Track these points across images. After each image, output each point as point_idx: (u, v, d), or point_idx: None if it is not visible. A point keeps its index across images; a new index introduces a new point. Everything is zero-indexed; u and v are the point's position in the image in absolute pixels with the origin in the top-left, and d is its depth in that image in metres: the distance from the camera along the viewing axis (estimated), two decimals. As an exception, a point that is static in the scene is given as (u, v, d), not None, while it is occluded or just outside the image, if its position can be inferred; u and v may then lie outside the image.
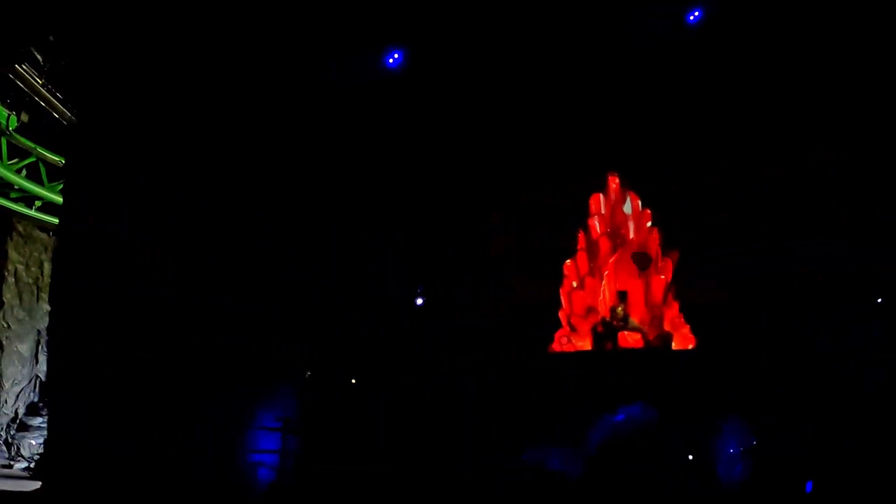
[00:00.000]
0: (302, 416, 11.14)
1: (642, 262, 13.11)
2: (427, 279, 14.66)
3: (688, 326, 13.22)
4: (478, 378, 11.20)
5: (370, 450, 10.60)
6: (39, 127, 22.03)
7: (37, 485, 18.49)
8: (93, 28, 11.78)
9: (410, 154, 11.88)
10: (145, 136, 10.54)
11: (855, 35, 12.10)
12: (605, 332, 12.50)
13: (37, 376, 25.16)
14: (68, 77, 18.00)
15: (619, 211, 14.49)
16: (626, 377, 10.93)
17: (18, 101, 20.90)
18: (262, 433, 11.22)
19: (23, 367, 24.73)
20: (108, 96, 12.65)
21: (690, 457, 9.96)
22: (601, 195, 14.57)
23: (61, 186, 23.27)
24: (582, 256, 14.33)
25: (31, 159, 22.66)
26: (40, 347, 25.22)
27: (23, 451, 22.63)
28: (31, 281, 25.23)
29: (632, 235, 14.21)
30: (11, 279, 24.52)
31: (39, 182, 23.18)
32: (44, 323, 24.98)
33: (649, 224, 14.18)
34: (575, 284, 14.15)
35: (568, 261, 14.21)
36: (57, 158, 22.74)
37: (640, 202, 14.40)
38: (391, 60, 12.39)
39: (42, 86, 19.31)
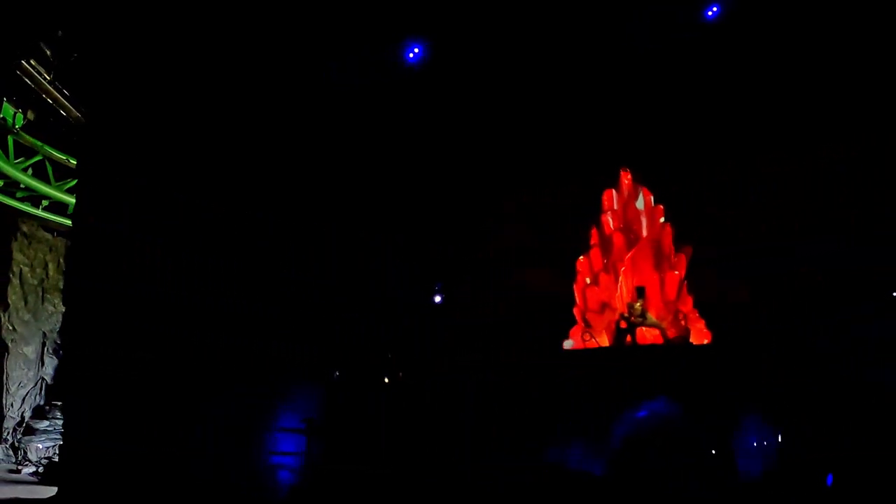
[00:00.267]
0: (330, 417, 11.58)
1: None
2: (441, 278, 15.14)
3: (703, 322, 13.56)
4: (478, 378, 11.60)
5: (390, 451, 11.09)
6: (46, 125, 22.28)
7: (48, 491, 19.17)
8: (97, 25, 12.24)
9: (410, 154, 12.26)
10: (145, 136, 10.97)
11: (863, 32, 12.33)
12: (627, 327, 12.87)
13: (42, 379, 25.61)
14: (76, 74, 18.35)
15: (631, 206, 14.86)
16: (649, 373, 11.30)
17: (25, 98, 21.14)
18: (281, 435, 11.56)
19: (28, 369, 25.15)
20: (109, 95, 13.24)
21: (713, 452, 10.33)
22: (614, 191, 14.95)
23: (69, 185, 23.88)
24: (595, 252, 14.69)
25: (38, 158, 22.97)
26: (46, 349, 25.84)
27: (30, 456, 23.16)
28: (35, 282, 25.67)
29: (645, 231, 14.57)
30: (16, 281, 24.87)
31: (46, 181, 23.52)
32: (49, 325, 25.94)
33: (662, 220, 14.56)
34: (589, 281, 14.53)
35: (581, 257, 14.59)
36: (63, 157, 23.18)
37: (652, 198, 14.79)
38: (411, 55, 12.89)
39: (49, 82, 19.53)
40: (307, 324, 10.71)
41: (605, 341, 13.68)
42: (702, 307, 13.72)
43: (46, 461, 22.12)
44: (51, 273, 26.15)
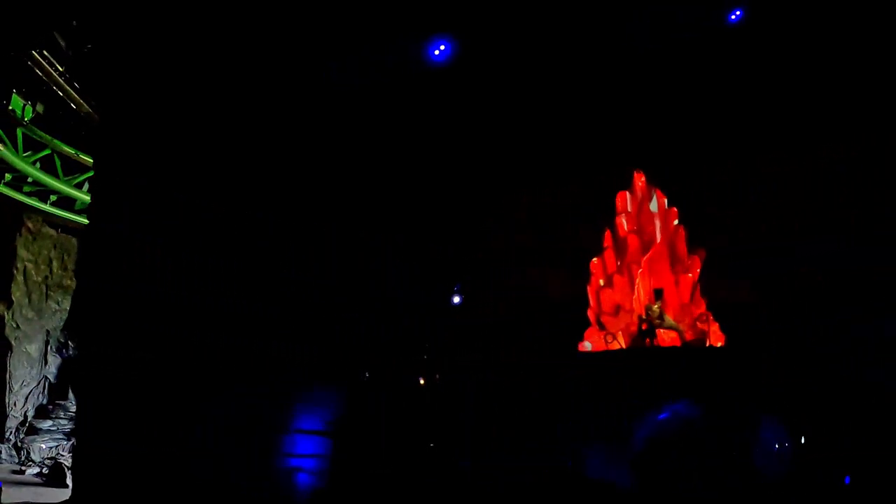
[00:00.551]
0: (359, 419, 11.92)
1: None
2: (460, 278, 15.60)
3: (717, 324, 13.93)
4: (486, 378, 12.07)
5: (423, 453, 11.61)
6: (55, 118, 22.66)
7: (54, 493, 19.62)
8: (108, 17, 12.66)
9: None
10: (145, 136, 11.43)
11: (864, 32, 12.63)
12: (649, 329, 13.27)
13: (45, 378, 26.30)
14: (88, 66, 18.72)
15: (646, 208, 15.24)
16: (669, 375, 11.71)
17: (35, 90, 21.48)
18: (299, 437, 11.78)
19: (31, 368, 25.78)
20: (113, 93, 13.73)
21: (734, 453, 10.75)
22: (627, 193, 15.32)
23: (77, 180, 24.54)
24: (609, 254, 15.10)
25: (46, 152, 23.43)
26: (49, 348, 26.55)
27: (33, 456, 23.74)
28: (40, 279, 26.29)
29: (659, 233, 14.95)
30: (20, 277, 25.43)
31: (55, 175, 23.99)
32: (53, 322, 26.67)
33: (676, 222, 14.93)
34: (602, 282, 14.94)
35: (595, 259, 15.00)
36: (72, 151, 23.70)
37: (666, 200, 15.17)
38: (437, 52, 13.36)
39: (61, 74, 19.84)
40: (307, 324, 11.08)
41: (620, 343, 14.12)
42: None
43: (51, 462, 22.63)
44: (55, 270, 26.90)
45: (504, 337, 14.18)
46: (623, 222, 15.17)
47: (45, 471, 22.03)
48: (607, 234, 15.22)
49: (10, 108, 21.40)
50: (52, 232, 26.63)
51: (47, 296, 26.69)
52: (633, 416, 11.06)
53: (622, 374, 12.01)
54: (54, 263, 26.95)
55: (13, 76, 20.45)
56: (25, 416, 25.24)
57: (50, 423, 25.25)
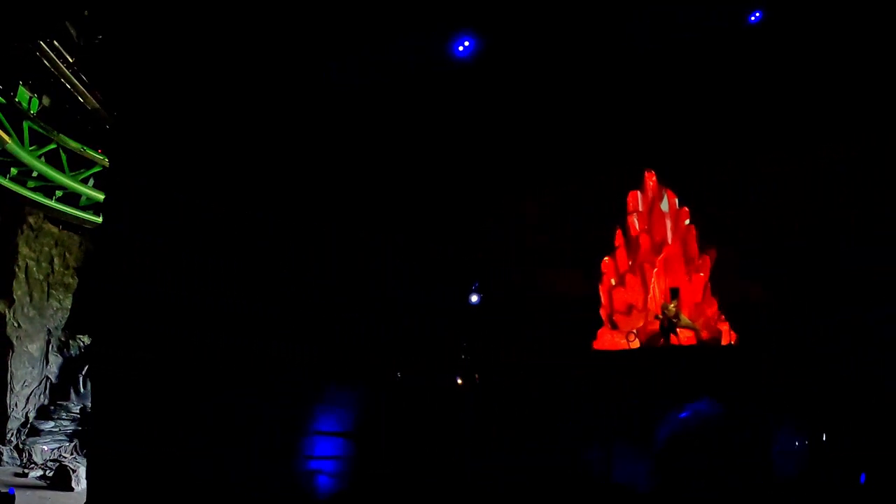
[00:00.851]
0: (392, 421, 12.41)
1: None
2: (478, 277, 16.16)
3: (727, 323, 14.41)
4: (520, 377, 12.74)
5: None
6: (61, 112, 23.20)
7: (59, 497, 20.08)
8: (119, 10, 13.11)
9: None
10: (146, 134, 11.93)
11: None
12: (669, 328, 13.80)
13: (47, 378, 26.90)
14: (97, 58, 19.11)
15: (657, 208, 15.72)
16: (690, 373, 12.27)
17: (42, 83, 21.98)
18: (320, 439, 12.21)
19: (33, 367, 26.37)
20: (115, 90, 14.23)
21: (752, 451, 11.29)
22: (639, 192, 15.85)
23: (83, 175, 25.17)
24: (621, 254, 15.61)
25: (52, 146, 23.88)
26: (51, 347, 27.19)
27: (35, 458, 24.20)
28: (41, 277, 26.82)
29: (670, 233, 15.43)
30: (22, 275, 25.95)
31: (60, 170, 24.47)
32: (54, 321, 27.30)
33: (687, 222, 15.41)
34: (614, 282, 15.46)
35: (606, 258, 15.52)
36: (78, 146, 24.24)
37: (677, 200, 15.66)
38: (461, 48, 13.93)
39: (69, 66, 20.18)
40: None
41: (636, 342, 14.65)
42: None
43: (54, 464, 22.99)
44: (56, 268, 27.52)
45: (521, 336, 14.70)
46: (635, 222, 15.69)
47: (48, 473, 22.44)
48: (618, 233, 15.74)
49: (17, 99, 21.86)
50: (54, 229, 27.14)
51: (49, 294, 27.22)
52: (655, 414, 11.60)
53: (642, 373, 12.55)
54: (56, 261, 27.51)
55: (21, 67, 20.86)
56: (27, 417, 25.73)
57: (52, 424, 25.76)
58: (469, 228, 15.08)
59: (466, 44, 13.38)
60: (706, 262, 14.90)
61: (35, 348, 26.64)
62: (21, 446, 24.90)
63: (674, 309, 13.89)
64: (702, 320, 14.32)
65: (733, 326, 14.00)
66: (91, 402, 12.15)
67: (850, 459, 11.07)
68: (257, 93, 11.79)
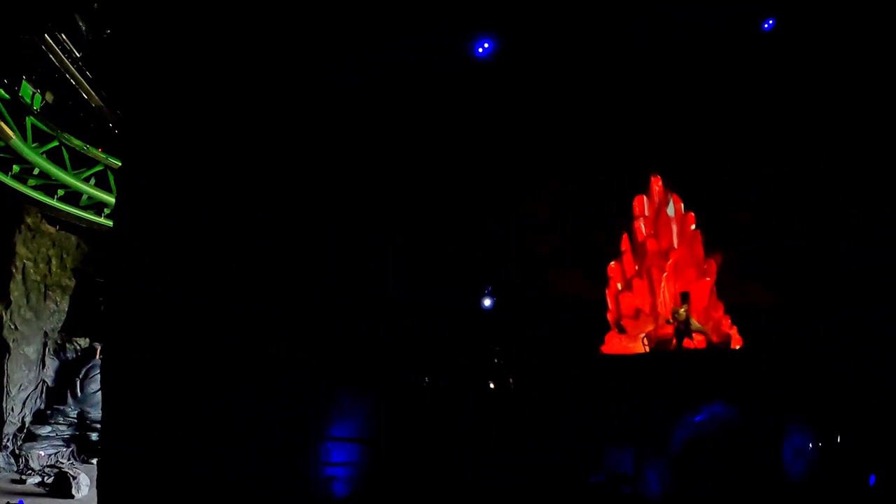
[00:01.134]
0: (391, 422, 12.86)
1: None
2: (490, 281, 16.64)
3: (735, 328, 14.95)
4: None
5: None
6: (64, 109, 23.52)
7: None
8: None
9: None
10: (153, 134, 12.39)
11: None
12: (685, 331, 14.35)
13: (43, 381, 27.28)
14: (103, 53, 19.27)
15: (663, 213, 16.31)
16: (703, 377, 12.86)
17: (46, 78, 22.23)
18: (334, 445, 12.52)
19: (29, 371, 26.74)
20: (119, 88, 14.69)
21: (765, 453, 11.81)
22: (644, 197, 16.54)
23: (85, 174, 25.64)
24: (627, 258, 16.19)
25: (54, 143, 24.24)
26: (47, 350, 27.64)
27: (32, 464, 24.56)
28: (38, 278, 27.23)
29: (676, 238, 16.00)
30: (19, 276, 26.30)
31: (63, 168, 24.84)
32: (51, 324, 27.81)
33: (693, 226, 16.02)
34: (620, 286, 16.06)
35: (612, 262, 16.16)
36: (81, 144, 24.69)
37: (682, 204, 16.31)
38: (481, 49, 14.55)
39: (73, 62, 20.42)
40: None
41: (639, 347, 15.19)
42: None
43: (52, 470, 23.41)
44: (53, 269, 27.98)
45: (524, 336, 15.28)
46: (641, 226, 16.36)
47: (47, 480, 22.68)
48: (625, 238, 16.36)
49: (20, 94, 22.22)
50: (52, 229, 27.55)
51: (46, 296, 27.60)
52: (670, 417, 12.11)
53: (655, 377, 13.13)
54: (53, 262, 27.93)
55: (26, 61, 21.19)
56: (23, 422, 26.05)
57: (49, 429, 26.11)
58: (469, 228, 15.56)
59: (486, 45, 14.04)
60: (712, 266, 15.46)
61: (32, 351, 26.97)
62: (17, 452, 25.17)
63: (684, 313, 14.43)
64: (710, 324, 14.86)
65: (739, 330, 14.52)
66: (102, 405, 12.54)
67: (861, 461, 11.56)
68: (257, 92, 12.19)
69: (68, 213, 26.66)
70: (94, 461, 24.75)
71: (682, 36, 13.70)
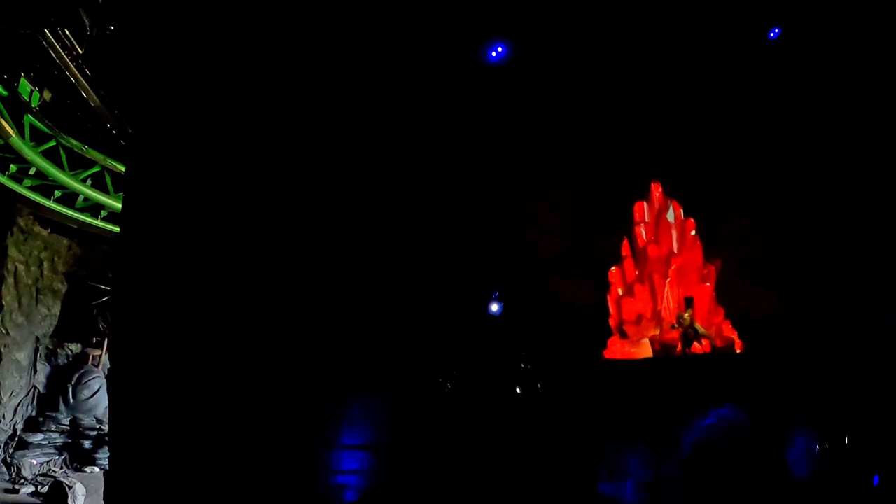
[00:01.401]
0: (400, 427, 13.23)
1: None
2: (499, 285, 17.11)
3: (735, 332, 15.64)
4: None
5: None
6: (62, 108, 23.27)
7: None
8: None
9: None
10: (152, 134, 12.67)
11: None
12: (694, 336, 14.92)
13: (35, 388, 27.37)
14: (106, 50, 19.55)
15: (663, 219, 17.05)
16: (709, 380, 13.42)
17: (45, 75, 21.99)
18: (345, 453, 12.80)
19: (21, 377, 26.79)
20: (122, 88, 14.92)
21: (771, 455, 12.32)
22: (645, 203, 17.33)
23: (83, 175, 25.68)
24: (628, 263, 16.79)
25: (51, 143, 24.26)
26: (39, 356, 27.72)
27: (24, 472, 24.46)
28: (30, 282, 27.34)
29: (675, 244, 16.63)
30: (11, 280, 26.40)
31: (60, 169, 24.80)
32: (42, 329, 27.89)
33: (693, 232, 16.80)
34: (621, 292, 16.61)
35: (613, 268, 16.82)
36: (78, 144, 24.62)
37: (682, 211, 17.07)
38: (494, 54, 15.07)
39: (73, 59, 20.38)
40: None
41: (642, 351, 15.69)
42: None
43: (45, 479, 23.51)
44: (45, 272, 28.12)
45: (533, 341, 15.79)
46: (642, 232, 17.14)
47: (41, 489, 22.80)
48: (625, 243, 17.13)
49: (19, 91, 22.19)
50: (44, 232, 27.70)
51: (37, 300, 27.75)
52: (680, 421, 12.60)
53: (662, 381, 13.64)
54: (45, 265, 28.09)
55: (25, 57, 21.07)
56: (14, 430, 26.12)
57: (41, 436, 26.23)
58: (478, 233, 16.02)
59: (499, 49, 14.55)
60: (711, 271, 16.11)
61: (23, 356, 27.08)
62: (9, 461, 25.16)
63: (689, 318, 15.02)
64: (713, 329, 15.47)
65: (739, 334, 15.14)
66: (109, 415, 12.64)
67: (865, 461, 12.10)
68: (257, 92, 12.45)
69: (62, 215, 26.68)
70: (88, 470, 25.08)
71: (684, 45, 14.33)
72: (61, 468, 25.62)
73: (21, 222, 26.71)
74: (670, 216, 16.98)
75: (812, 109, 15.84)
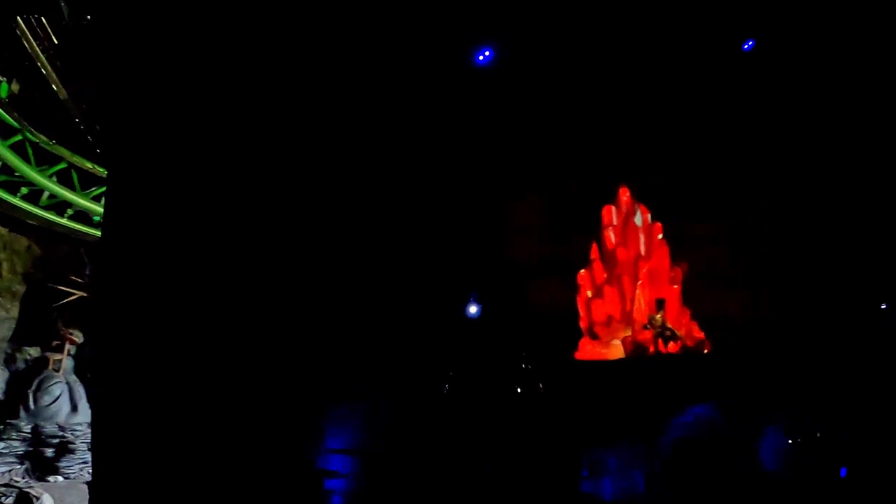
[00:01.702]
0: (391, 429, 13.62)
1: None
2: (475, 287, 17.44)
3: (703, 333, 16.64)
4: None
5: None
6: (29, 101, 23.32)
7: None
8: None
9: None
10: (133, 131, 12.95)
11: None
12: (671, 336, 15.72)
13: None
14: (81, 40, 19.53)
15: (631, 223, 18.13)
16: (683, 379, 14.32)
17: (15, 65, 21.94)
18: (332, 457, 13.12)
19: None
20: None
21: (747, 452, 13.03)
22: (613, 207, 18.24)
23: (50, 171, 25.73)
24: (597, 266, 17.78)
25: (17, 138, 24.22)
26: (-3, 362, 27.45)
27: None
28: None
29: (643, 247, 17.72)
30: None
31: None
32: (1, 332, 27.79)
33: (660, 236, 17.80)
34: (590, 294, 17.47)
35: (582, 271, 17.77)
36: (45, 140, 24.63)
37: (649, 215, 18.07)
38: (481, 57, 15.66)
39: (45, 50, 20.34)
40: (317, 329, 12.61)
41: (613, 353, 16.50)
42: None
43: (13, 490, 23.36)
44: (4, 273, 28.03)
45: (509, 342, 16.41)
46: (611, 235, 18.03)
47: (5, 500, 22.76)
48: (594, 246, 18.07)
49: None
50: (3, 231, 27.60)
51: None
52: (657, 421, 13.26)
53: (636, 381, 14.59)
54: (3, 266, 28.04)
55: None
56: None
57: (1, 445, 26.10)
58: (458, 233, 16.57)
59: (486, 53, 15.20)
60: (678, 274, 17.01)
61: (-18, 363, 26.51)
62: None
63: (660, 319, 15.87)
64: (683, 330, 16.36)
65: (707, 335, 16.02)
66: (91, 423, 12.75)
67: (833, 455, 12.89)
68: (256, 92, 12.80)
69: (23, 213, 26.49)
70: (52, 479, 25.20)
71: (654, 53, 15.09)
72: (23, 478, 25.56)
73: (-20, 222, 26.38)
74: (638, 220, 17.90)
75: (778, 115, 16.79)
